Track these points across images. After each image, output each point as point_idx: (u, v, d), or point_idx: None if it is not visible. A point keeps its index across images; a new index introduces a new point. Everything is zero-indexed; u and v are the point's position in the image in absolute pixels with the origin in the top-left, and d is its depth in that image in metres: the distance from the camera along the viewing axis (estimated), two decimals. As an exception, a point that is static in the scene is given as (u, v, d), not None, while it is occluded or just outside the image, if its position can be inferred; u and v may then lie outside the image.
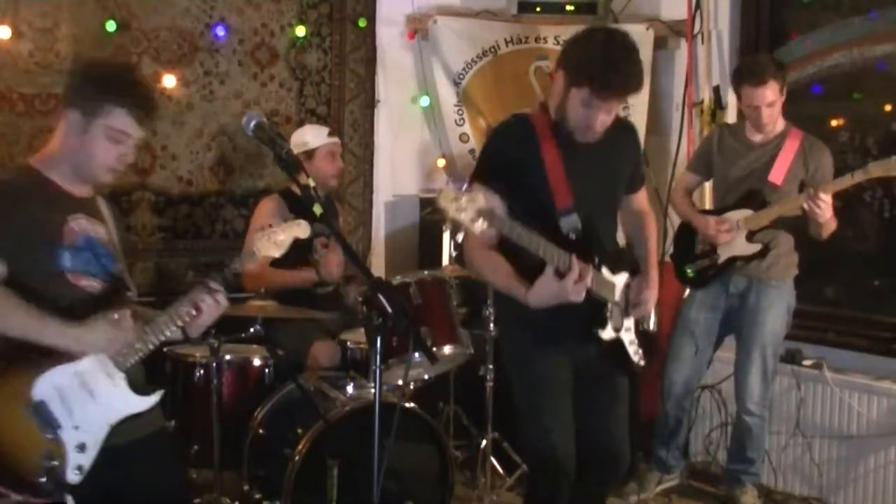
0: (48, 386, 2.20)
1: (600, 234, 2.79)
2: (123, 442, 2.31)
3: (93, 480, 2.23)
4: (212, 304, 2.43)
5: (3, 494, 2.13)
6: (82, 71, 2.47)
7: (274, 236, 2.60)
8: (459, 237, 3.86)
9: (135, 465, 2.35)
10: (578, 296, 2.56)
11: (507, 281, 2.66)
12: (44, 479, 2.15)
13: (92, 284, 2.37)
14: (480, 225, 2.29)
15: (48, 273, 2.30)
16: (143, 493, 2.37)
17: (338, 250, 3.85)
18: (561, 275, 2.53)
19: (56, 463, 2.17)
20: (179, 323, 2.40)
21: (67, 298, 2.31)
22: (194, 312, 2.41)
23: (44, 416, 2.19)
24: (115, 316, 2.31)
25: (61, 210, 2.36)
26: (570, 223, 2.69)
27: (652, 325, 2.96)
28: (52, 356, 2.22)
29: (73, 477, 2.20)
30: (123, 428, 2.31)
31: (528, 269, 2.61)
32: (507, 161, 2.70)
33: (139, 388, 2.35)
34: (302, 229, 2.65)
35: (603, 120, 2.66)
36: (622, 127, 2.85)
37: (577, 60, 2.62)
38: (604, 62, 2.55)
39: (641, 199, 3.05)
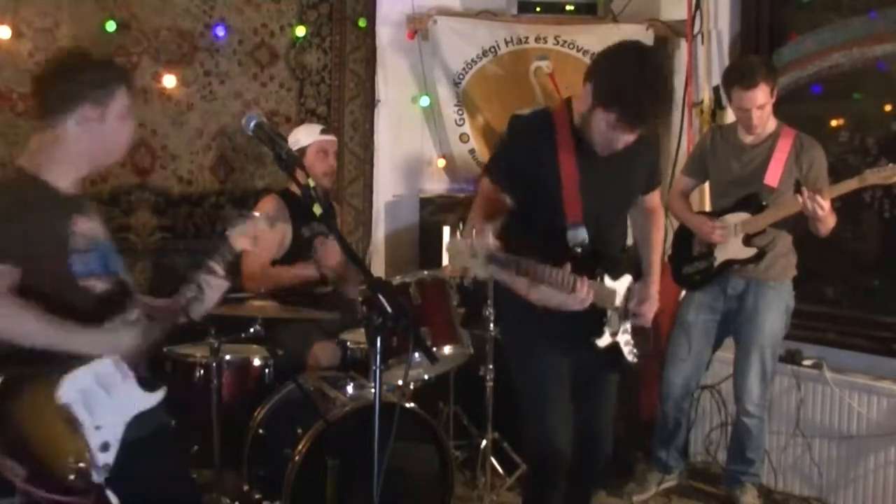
0: (72, 388, 2.21)
1: (606, 243, 2.80)
2: (134, 437, 2.32)
3: (119, 476, 2.26)
4: (215, 285, 2.50)
5: (37, 495, 2.15)
6: (73, 66, 2.44)
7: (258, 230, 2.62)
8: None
9: (142, 460, 2.35)
10: (581, 306, 2.62)
11: (511, 276, 2.67)
12: (73, 479, 2.18)
13: (97, 284, 2.37)
14: (491, 269, 2.35)
15: (59, 278, 2.30)
16: (152, 487, 2.37)
17: (334, 244, 3.85)
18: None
19: (83, 465, 2.19)
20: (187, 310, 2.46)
21: (76, 301, 2.31)
22: (196, 295, 2.48)
23: (69, 419, 2.20)
24: (133, 317, 2.35)
25: (65, 213, 2.36)
26: (577, 237, 2.70)
27: (647, 321, 2.98)
28: (72, 358, 2.24)
29: (99, 476, 2.22)
30: (136, 423, 2.33)
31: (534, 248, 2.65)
32: (524, 158, 2.69)
33: (145, 384, 2.38)
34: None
35: (626, 140, 2.63)
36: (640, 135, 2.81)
37: (609, 84, 2.54)
38: (637, 92, 2.48)
39: (654, 197, 3.05)
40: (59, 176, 2.37)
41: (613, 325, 2.82)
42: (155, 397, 2.38)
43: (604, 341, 2.79)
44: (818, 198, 3.50)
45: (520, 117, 2.82)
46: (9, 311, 2.18)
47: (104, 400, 2.25)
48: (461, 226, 3.92)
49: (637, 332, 2.93)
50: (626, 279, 2.86)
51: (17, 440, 2.16)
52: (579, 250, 2.68)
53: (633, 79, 2.49)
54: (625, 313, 2.87)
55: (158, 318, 2.42)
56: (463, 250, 2.34)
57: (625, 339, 2.88)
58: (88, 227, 2.40)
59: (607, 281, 2.77)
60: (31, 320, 2.19)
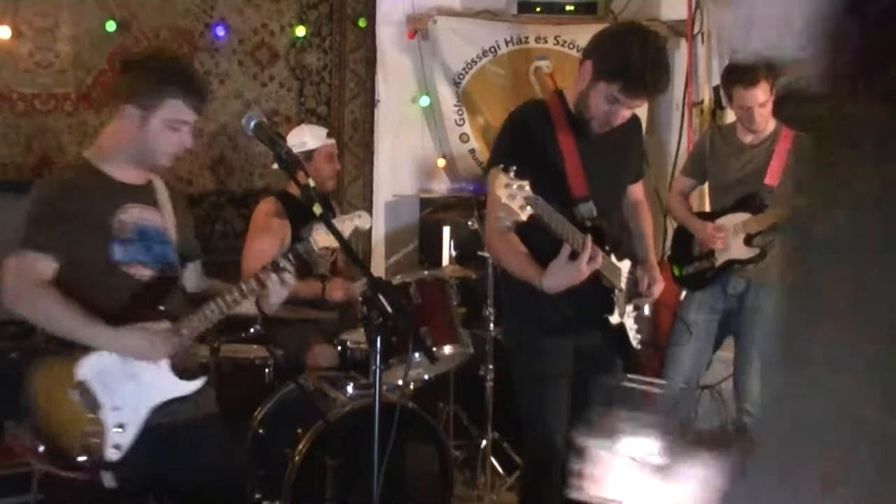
0: (90, 368, 2.30)
1: (611, 222, 2.86)
2: (169, 422, 2.38)
3: (137, 458, 2.32)
4: (276, 282, 2.51)
5: (51, 473, 2.26)
6: (135, 67, 2.54)
7: (339, 224, 2.56)
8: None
9: (180, 445, 2.42)
10: (590, 269, 2.60)
11: (524, 266, 2.71)
12: (84, 458, 2.25)
13: (143, 272, 2.45)
14: (528, 211, 2.33)
15: (102, 265, 2.39)
16: (192, 472, 2.43)
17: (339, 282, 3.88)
18: (574, 256, 2.58)
19: (96, 441, 2.26)
20: (232, 304, 2.51)
21: (120, 288, 2.40)
22: (257, 289, 2.52)
23: (85, 397, 2.29)
24: (159, 327, 2.39)
25: (113, 202, 2.45)
26: (586, 210, 2.75)
27: (646, 310, 3.03)
28: None
29: (111, 455, 2.28)
30: (169, 409, 2.39)
31: (540, 256, 2.67)
32: (526, 143, 2.73)
33: (185, 372, 2.43)
34: (363, 221, 2.65)
35: (623, 115, 2.71)
36: (630, 119, 2.88)
37: (612, 56, 2.63)
38: (639, 62, 2.58)
39: (638, 189, 3.13)
40: (115, 167, 2.47)
41: (620, 307, 2.86)
42: (189, 386, 2.43)
43: (615, 318, 2.83)
44: None
45: (517, 108, 2.91)
46: (43, 301, 2.27)
47: (127, 382, 2.32)
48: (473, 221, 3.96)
49: (638, 320, 2.99)
50: (627, 263, 2.91)
51: (35, 413, 2.25)
52: (588, 223, 2.71)
53: (636, 52, 2.59)
54: (628, 297, 2.91)
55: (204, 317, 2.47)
56: (503, 189, 2.31)
57: (629, 322, 2.93)
58: (137, 216, 2.47)
59: (613, 259, 2.82)
60: (61, 312, 2.27)
